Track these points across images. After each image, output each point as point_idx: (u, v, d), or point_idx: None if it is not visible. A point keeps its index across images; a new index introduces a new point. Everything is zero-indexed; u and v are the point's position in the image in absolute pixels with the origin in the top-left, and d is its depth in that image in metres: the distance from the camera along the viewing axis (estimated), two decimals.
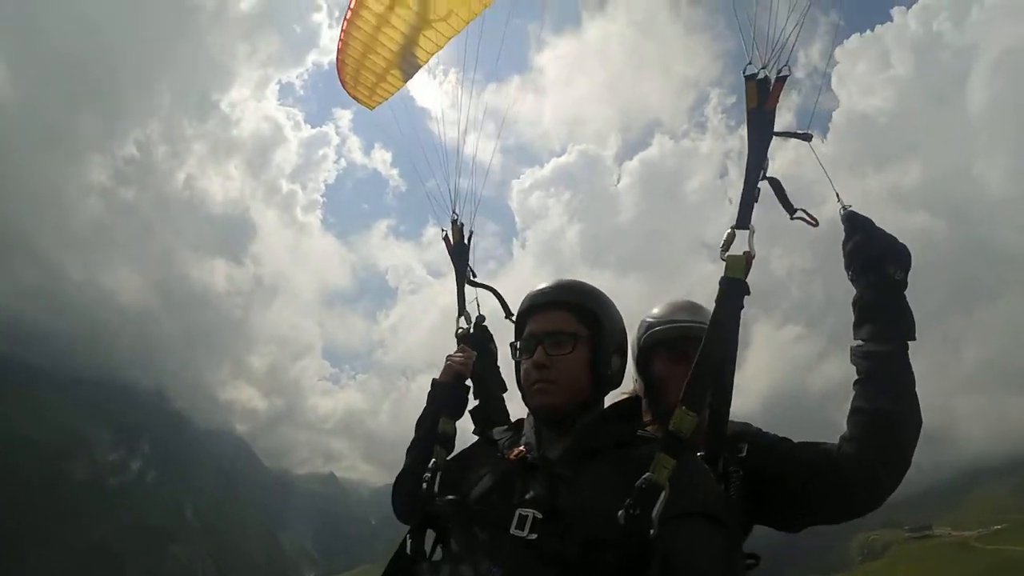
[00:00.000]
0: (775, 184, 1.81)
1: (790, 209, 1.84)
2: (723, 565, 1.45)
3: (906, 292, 1.76)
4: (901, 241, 1.77)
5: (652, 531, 1.41)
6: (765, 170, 1.80)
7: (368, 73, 3.21)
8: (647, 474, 1.47)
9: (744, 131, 1.83)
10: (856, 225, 1.82)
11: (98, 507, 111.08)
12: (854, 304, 1.79)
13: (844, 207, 1.86)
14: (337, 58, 3.23)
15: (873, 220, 1.82)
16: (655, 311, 2.22)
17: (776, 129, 1.81)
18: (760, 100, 1.81)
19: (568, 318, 1.75)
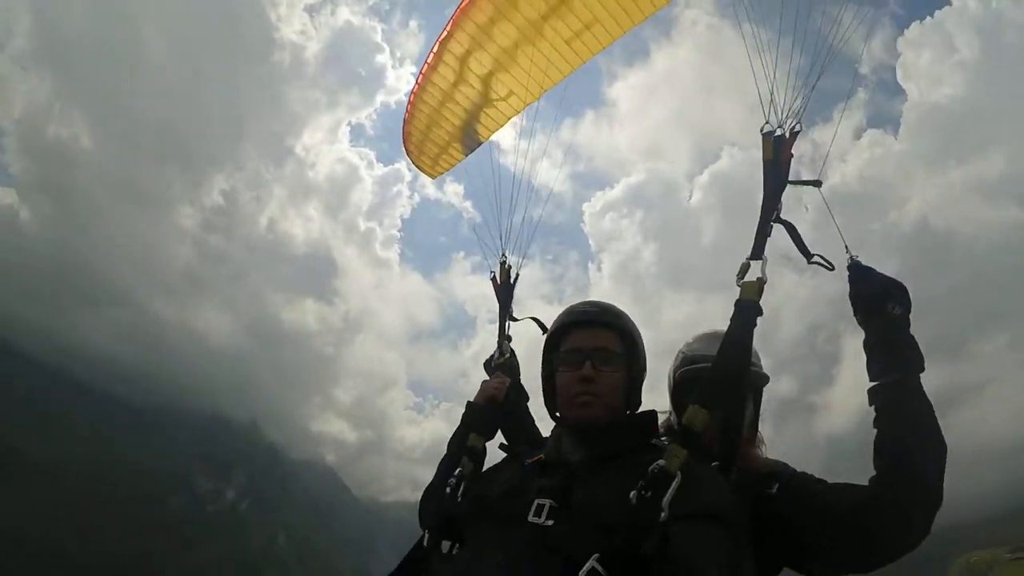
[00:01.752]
0: (790, 228, 2.05)
1: (806, 254, 2.03)
2: (728, 568, 1.47)
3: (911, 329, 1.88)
4: (898, 280, 1.91)
5: (663, 515, 1.47)
6: (778, 212, 2.04)
7: (432, 145, 3.43)
8: (660, 461, 1.57)
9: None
10: (857, 272, 1.99)
11: (197, 535, 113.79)
12: (864, 346, 1.91)
13: (850, 257, 2.02)
14: (404, 128, 3.45)
15: (874, 268, 1.99)
16: (692, 342, 2.27)
17: (790, 178, 2.07)
18: (775, 153, 2.08)
19: (614, 338, 1.88)
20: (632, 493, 1.51)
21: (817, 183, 2.07)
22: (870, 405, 1.83)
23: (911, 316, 1.91)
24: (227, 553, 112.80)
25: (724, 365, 1.83)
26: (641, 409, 1.96)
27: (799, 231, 2.06)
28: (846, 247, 2.02)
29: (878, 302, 1.89)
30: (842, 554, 1.75)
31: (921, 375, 1.81)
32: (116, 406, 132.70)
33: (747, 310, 1.90)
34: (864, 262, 2.01)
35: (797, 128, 2.09)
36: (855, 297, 1.95)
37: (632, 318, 1.95)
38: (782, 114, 2.11)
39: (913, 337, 1.86)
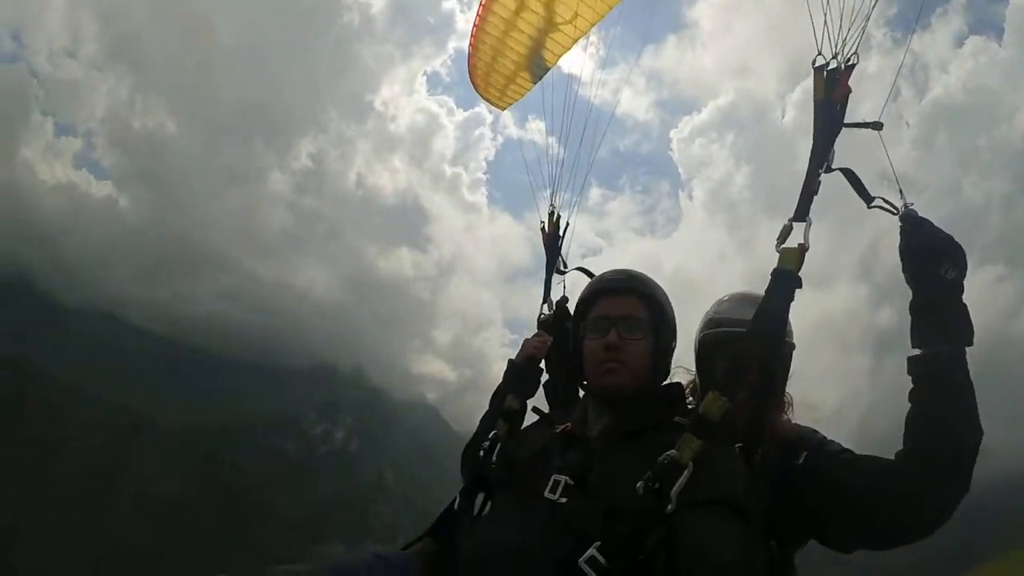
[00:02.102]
0: (849, 174, 1.83)
1: (867, 198, 1.84)
2: (742, 556, 1.42)
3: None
4: (955, 239, 1.73)
5: (670, 507, 1.45)
6: (830, 162, 1.80)
7: (498, 76, 3.39)
8: (671, 451, 1.53)
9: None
10: (911, 225, 1.79)
11: (310, 476, 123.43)
12: (910, 308, 1.75)
13: (905, 205, 1.82)
14: (468, 62, 3.38)
15: (931, 221, 1.79)
16: (720, 305, 2.17)
17: (846, 120, 1.81)
18: (828, 91, 1.80)
19: (640, 305, 1.87)
20: (639, 484, 1.49)
21: (878, 125, 1.82)
22: (908, 373, 1.71)
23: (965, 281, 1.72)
24: (340, 491, 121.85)
25: (756, 342, 1.67)
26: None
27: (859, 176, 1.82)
28: (901, 192, 1.82)
29: (932, 261, 1.70)
30: (863, 530, 1.71)
31: (968, 349, 1.66)
32: (230, 365, 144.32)
33: (785, 281, 1.71)
34: (926, 211, 1.77)
35: (853, 60, 1.80)
36: (906, 251, 1.77)
37: (660, 285, 1.93)
38: (837, 44, 1.80)
39: (965, 306, 1.69)
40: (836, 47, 1.79)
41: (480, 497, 1.86)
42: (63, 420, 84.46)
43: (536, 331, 2.64)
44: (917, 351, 1.70)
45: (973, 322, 1.65)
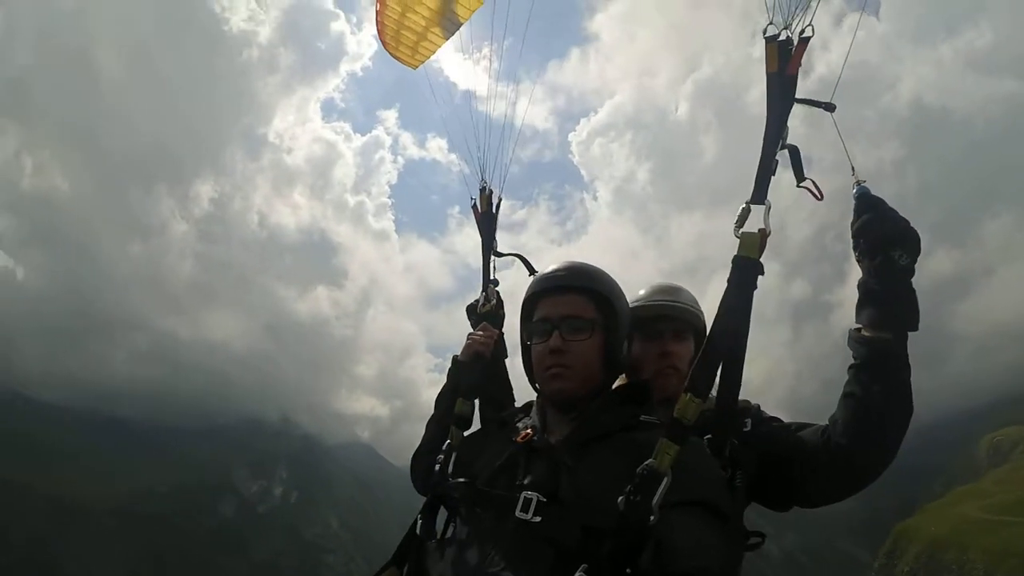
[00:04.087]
0: (794, 152, 1.72)
1: (799, 176, 1.75)
2: (721, 556, 1.39)
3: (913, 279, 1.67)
4: (911, 225, 1.68)
5: (652, 518, 1.38)
6: (784, 139, 1.70)
7: (409, 33, 3.23)
8: (649, 460, 1.44)
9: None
10: (866, 204, 1.73)
11: (254, 534, 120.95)
12: (858, 286, 1.72)
13: (857, 183, 1.76)
14: (377, 19, 3.21)
15: (885, 200, 1.72)
16: (637, 297, 2.20)
17: (797, 96, 1.70)
18: (781, 64, 1.70)
19: (584, 303, 1.73)
20: (620, 499, 1.40)
21: (830, 106, 1.72)
22: (849, 347, 1.70)
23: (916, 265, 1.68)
24: (288, 545, 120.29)
25: (722, 336, 1.58)
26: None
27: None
28: (852, 169, 1.75)
29: (885, 245, 1.65)
30: (800, 492, 1.79)
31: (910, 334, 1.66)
32: (151, 431, 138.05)
33: (746, 269, 1.63)
34: (871, 182, 1.74)
35: (808, 33, 1.69)
36: (858, 232, 1.70)
37: (608, 274, 1.81)
38: (789, 12, 1.69)
39: (914, 291, 1.67)
40: (787, 17, 1.67)
41: (442, 517, 1.73)
42: None
43: (481, 324, 2.40)
44: (861, 330, 1.67)
45: (919, 307, 1.64)
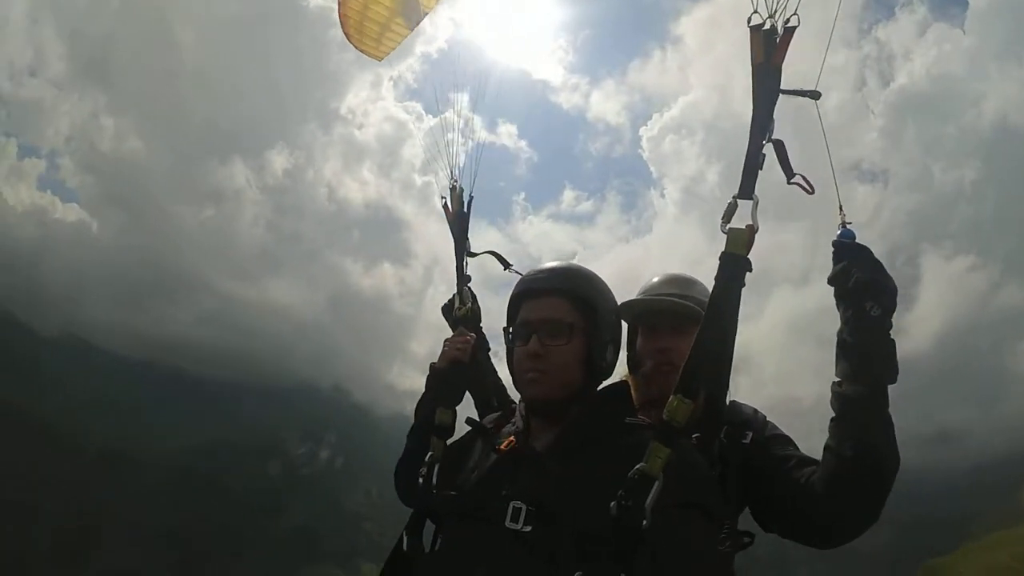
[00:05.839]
0: (779, 147, 1.70)
1: (788, 173, 1.72)
2: (710, 557, 1.44)
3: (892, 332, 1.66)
4: (888, 276, 1.67)
5: (645, 522, 1.38)
6: (771, 133, 1.67)
7: (372, 24, 3.26)
8: (640, 464, 1.44)
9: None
10: (843, 252, 1.73)
11: (296, 496, 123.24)
12: (836, 336, 1.72)
13: (842, 224, 1.75)
14: (339, 11, 3.20)
15: (870, 249, 1.70)
16: (647, 285, 2.20)
17: (783, 87, 1.67)
18: (766, 54, 1.66)
19: (564, 306, 1.71)
20: (612, 504, 1.39)
21: (815, 94, 1.68)
22: (831, 403, 1.69)
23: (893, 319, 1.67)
24: (327, 510, 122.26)
25: (711, 335, 1.54)
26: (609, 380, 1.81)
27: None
28: (840, 208, 1.71)
29: (857, 296, 1.64)
30: (780, 523, 1.78)
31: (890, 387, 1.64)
32: (208, 388, 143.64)
33: (733, 265, 1.58)
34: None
35: (793, 22, 1.62)
36: (832, 281, 1.70)
37: (596, 276, 1.77)
38: (773, 3, 1.62)
39: (892, 343, 1.64)
40: (772, 6, 1.65)
41: (430, 531, 1.76)
42: (45, 455, 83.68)
43: (457, 329, 2.38)
44: (838, 381, 1.69)
45: (897, 360, 1.63)
